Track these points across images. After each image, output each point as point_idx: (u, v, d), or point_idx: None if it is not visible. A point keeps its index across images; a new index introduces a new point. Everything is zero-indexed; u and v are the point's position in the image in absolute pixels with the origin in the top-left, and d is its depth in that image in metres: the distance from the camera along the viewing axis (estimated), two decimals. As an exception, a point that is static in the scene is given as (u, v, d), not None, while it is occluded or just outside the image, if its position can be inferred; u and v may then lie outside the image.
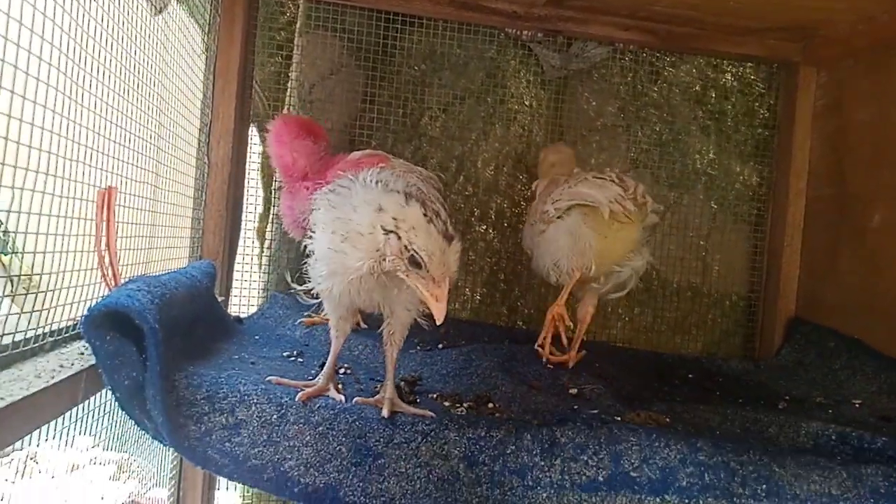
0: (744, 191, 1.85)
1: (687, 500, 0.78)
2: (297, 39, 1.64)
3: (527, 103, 1.79)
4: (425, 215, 0.77)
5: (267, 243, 1.65)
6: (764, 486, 0.79)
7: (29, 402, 0.54)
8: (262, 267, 1.66)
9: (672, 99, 1.85)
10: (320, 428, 0.75)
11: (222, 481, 1.60)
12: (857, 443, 0.91)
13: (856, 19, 1.49)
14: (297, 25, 1.65)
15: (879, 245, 1.39)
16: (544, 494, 0.77)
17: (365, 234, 0.78)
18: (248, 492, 1.65)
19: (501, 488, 0.76)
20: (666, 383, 1.35)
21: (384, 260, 0.78)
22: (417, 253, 0.76)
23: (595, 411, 0.97)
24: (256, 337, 1.23)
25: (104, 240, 0.77)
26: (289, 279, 1.00)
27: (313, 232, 0.86)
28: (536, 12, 1.61)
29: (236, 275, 1.59)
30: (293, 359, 1.14)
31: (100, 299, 0.69)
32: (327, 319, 1.36)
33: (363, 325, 1.40)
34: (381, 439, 0.77)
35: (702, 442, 0.83)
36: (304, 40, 1.63)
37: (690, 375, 1.46)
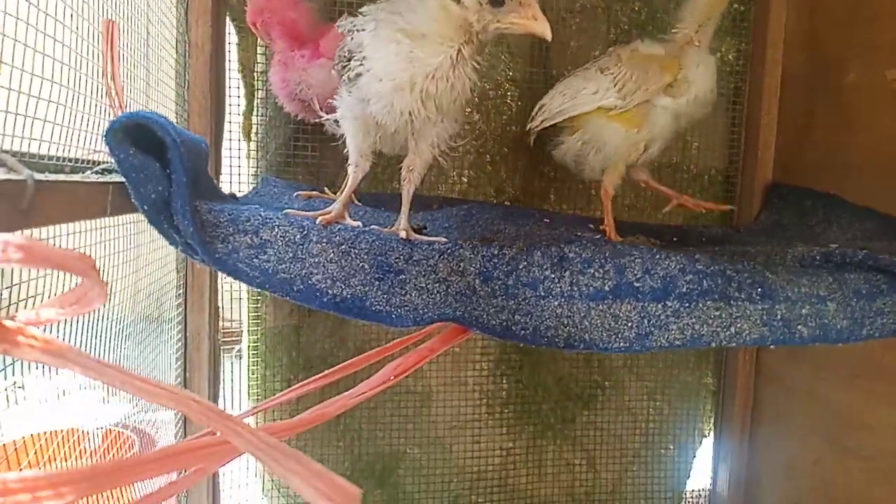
0: (721, 66, 1.87)
1: (687, 304, 0.83)
2: None
3: (507, -20, 1.76)
4: None
5: (254, 129, 1.63)
6: (759, 289, 0.85)
7: (68, 188, 0.55)
8: (250, 154, 1.65)
9: (653, -21, 1.84)
10: (343, 247, 0.78)
11: (229, 402, 1.66)
12: (839, 259, 0.98)
13: None
14: None
15: (853, 103, 1.43)
16: (555, 303, 0.81)
17: (439, 21, 0.80)
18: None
19: (516, 299, 0.81)
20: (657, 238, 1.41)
21: (472, 29, 0.80)
22: None
23: (598, 236, 1.02)
24: (255, 206, 1.24)
25: (110, 71, 0.76)
26: (316, 107, 1.01)
27: (358, 56, 0.85)
28: None
29: (224, 160, 1.57)
30: (297, 221, 1.16)
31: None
32: (325, 194, 1.38)
33: (355, 202, 1.41)
34: (401, 257, 0.80)
35: (699, 255, 0.88)
36: None
37: (675, 239, 1.52)
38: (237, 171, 1.61)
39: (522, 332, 0.79)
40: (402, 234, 0.83)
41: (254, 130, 1.63)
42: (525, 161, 1.81)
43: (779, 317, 0.84)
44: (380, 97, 0.84)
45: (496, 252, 0.83)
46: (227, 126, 1.57)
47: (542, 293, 0.81)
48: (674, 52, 1.29)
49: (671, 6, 1.85)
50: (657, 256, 0.87)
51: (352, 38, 0.87)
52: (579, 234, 1.02)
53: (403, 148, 0.92)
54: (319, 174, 1.62)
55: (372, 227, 0.88)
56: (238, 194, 1.40)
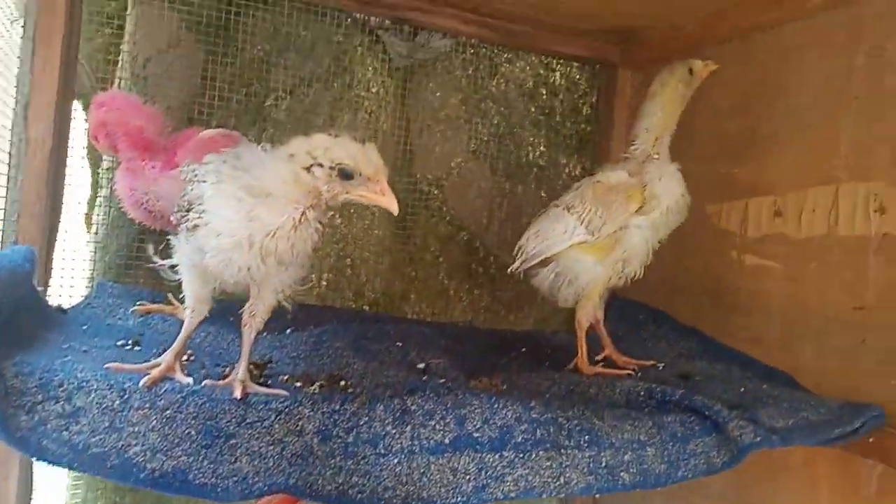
0: (569, 181, 2.02)
1: (521, 454, 0.86)
2: (129, 10, 1.53)
3: (374, 91, 1.81)
4: (329, 134, 0.82)
5: (94, 228, 1.52)
6: (586, 436, 0.91)
7: None
8: (88, 255, 1.53)
9: (509, 94, 1.98)
10: (167, 412, 0.74)
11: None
12: (660, 396, 1.06)
13: (667, 27, 1.70)
14: (130, -5, 1.54)
15: (683, 228, 1.58)
16: (395, 460, 0.81)
17: (288, 184, 0.80)
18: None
19: (355, 458, 0.80)
20: (503, 356, 1.47)
21: (320, 196, 0.81)
22: (343, 164, 0.79)
23: (442, 381, 1.04)
24: (84, 327, 1.15)
25: None
26: (151, 251, 0.95)
27: (198, 208, 0.83)
28: (385, -1, 1.65)
29: (58, 263, 1.45)
30: (129, 347, 1.08)
31: None
32: (164, 309, 1.31)
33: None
34: (234, 420, 0.77)
35: (534, 402, 0.93)
36: (137, 11, 1.52)
37: (524, 349, 1.59)
38: (71, 273, 1.49)
39: (359, 495, 0.77)
40: (237, 393, 0.80)
41: (93, 230, 1.52)
42: (386, 264, 1.84)
43: (604, 464, 0.89)
44: (217, 252, 0.82)
45: (337, 407, 0.82)
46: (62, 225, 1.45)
47: (383, 450, 0.81)
48: (636, 171, 1.33)
49: (527, 122, 2.00)
50: (496, 405, 0.90)
51: (192, 189, 0.85)
52: (424, 379, 1.03)
53: (247, 292, 0.90)
54: (163, 278, 1.53)
55: (205, 382, 0.84)
56: (67, 306, 1.29)
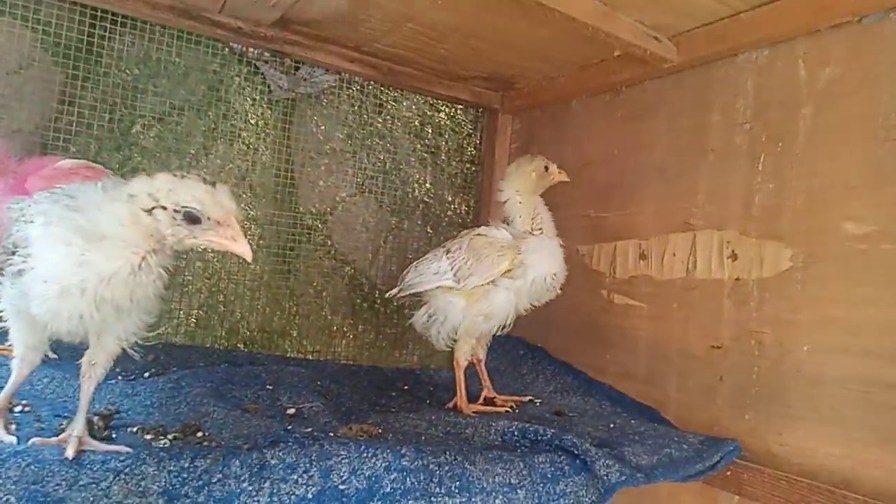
0: (455, 218, 2.06)
1: (389, 505, 0.83)
2: (-27, 25, 1.39)
3: (252, 121, 1.76)
4: (174, 175, 0.75)
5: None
6: (457, 483, 0.89)
7: None
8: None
9: (395, 131, 1.98)
10: (-20, 478, 0.64)
11: None
12: (533, 436, 1.07)
13: (541, 77, 1.77)
14: (-26, 9, 1.40)
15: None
16: (251, 520, 0.75)
17: (126, 226, 0.74)
18: None
19: (205, 519, 0.73)
20: (384, 395, 1.43)
21: (164, 241, 0.75)
22: (188, 206, 0.74)
23: (309, 430, 0.99)
24: None
25: None
26: None
27: (23, 251, 0.74)
28: (262, 31, 1.61)
29: None
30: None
31: None
32: (4, 351, 1.17)
33: (52, 356, 1.22)
34: (64, 482, 0.68)
35: (406, 448, 0.90)
36: (-18, 26, 1.39)
37: (406, 387, 1.57)
38: None
39: (208, 561, 0.71)
40: (69, 453, 0.71)
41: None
42: (264, 299, 1.76)
43: (475, 510, 0.88)
44: (44, 300, 0.74)
45: (187, 465, 0.75)
46: None
47: (237, 510, 0.75)
48: (520, 236, 1.36)
49: (412, 159, 2.01)
50: (364, 454, 0.86)
51: (18, 230, 0.76)
52: (289, 428, 0.98)
53: (86, 340, 0.81)
54: None
55: (32, 441, 0.75)
56: None
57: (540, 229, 1.38)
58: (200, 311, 1.68)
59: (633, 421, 1.27)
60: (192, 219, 0.74)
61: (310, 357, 1.80)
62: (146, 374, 1.21)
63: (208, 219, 0.75)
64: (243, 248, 0.77)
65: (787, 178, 1.18)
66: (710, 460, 1.09)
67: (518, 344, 1.74)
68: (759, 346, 1.17)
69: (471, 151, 2.09)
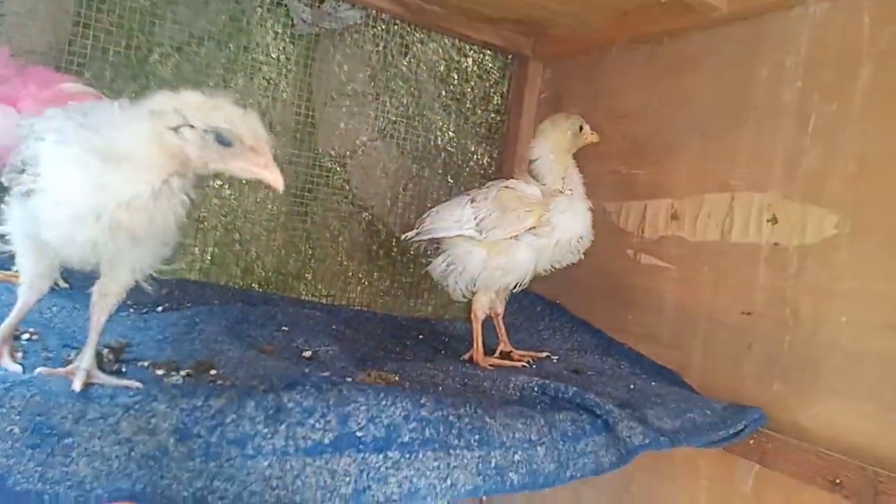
0: (476, 168, 2.00)
1: (408, 454, 0.80)
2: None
3: (273, 56, 1.69)
4: (202, 93, 0.70)
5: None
6: (476, 436, 0.86)
7: None
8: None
9: (420, 75, 1.91)
10: (-17, 406, 0.61)
11: None
12: (553, 392, 1.04)
13: (576, 24, 1.68)
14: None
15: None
16: (265, 462, 0.73)
17: (148, 146, 0.68)
18: None
19: (218, 460, 0.70)
20: (399, 344, 1.41)
21: (188, 163, 0.69)
22: (220, 127, 0.68)
23: (326, 374, 0.96)
24: None
25: None
26: None
27: (32, 170, 0.69)
28: (288, -42, 1.52)
29: None
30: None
31: None
32: (11, 277, 1.14)
33: (63, 285, 1.19)
34: (70, 415, 0.65)
35: (425, 398, 0.87)
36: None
37: (421, 336, 1.54)
38: None
39: (220, 501, 0.68)
40: (76, 385, 0.68)
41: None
42: (280, 241, 1.72)
43: (493, 465, 0.85)
44: (55, 225, 0.69)
45: (200, 403, 0.72)
46: None
47: (251, 451, 0.72)
48: (549, 194, 1.31)
49: (437, 105, 1.94)
50: (383, 402, 0.83)
51: (28, 148, 0.71)
52: (306, 371, 0.95)
53: (97, 269, 0.77)
54: None
55: (38, 370, 0.72)
56: None
57: (570, 190, 1.33)
58: (216, 249, 1.65)
59: (653, 383, 1.23)
60: (223, 141, 0.69)
61: (324, 301, 1.77)
62: (159, 309, 1.18)
63: (241, 143, 0.69)
64: (275, 177, 0.72)
65: (839, 142, 1.10)
66: (735, 427, 1.06)
67: (536, 300, 1.70)
68: (795, 314, 1.12)
69: (497, 100, 2.01)
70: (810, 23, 1.18)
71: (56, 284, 1.17)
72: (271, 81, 1.69)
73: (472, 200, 1.32)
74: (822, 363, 1.07)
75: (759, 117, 1.24)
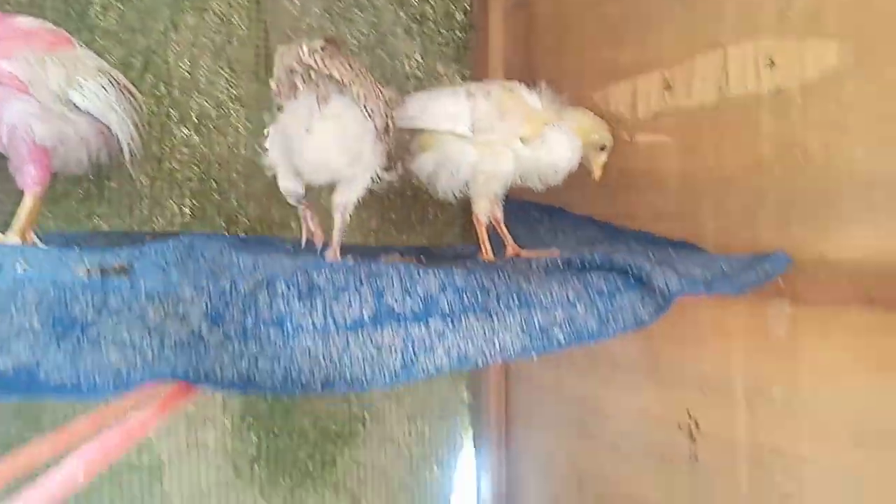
0: (450, 90, 1.94)
1: (451, 322, 0.76)
2: None
3: (223, -10, 1.60)
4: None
5: None
6: (515, 298, 0.82)
7: None
8: None
9: (375, 1, 1.83)
10: (-4, 298, 0.55)
11: None
12: (579, 263, 1.01)
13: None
14: None
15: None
16: (308, 340, 0.68)
17: None
18: None
19: (258, 342, 0.65)
20: (407, 260, 1.36)
21: None
22: None
23: (351, 256, 0.91)
24: None
25: None
26: None
27: None
28: None
29: None
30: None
31: None
32: None
33: (41, 245, 1.11)
34: (91, 305, 0.59)
35: (456, 271, 0.83)
36: None
37: (423, 257, 1.49)
38: None
39: (270, 381, 0.64)
40: (81, 273, 0.62)
41: None
42: (260, 186, 1.64)
43: (537, 325, 0.82)
44: None
45: (227, 287, 0.67)
46: None
47: (291, 330, 0.67)
48: (550, 110, 1.29)
49: (398, 30, 1.87)
50: (415, 275, 0.79)
51: None
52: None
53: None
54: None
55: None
56: None
57: (570, 128, 1.33)
58: (194, 202, 1.57)
59: (671, 252, 1.21)
60: None
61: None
62: (147, 238, 1.11)
63: None
64: None
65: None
66: (763, 268, 1.04)
67: (530, 207, 1.66)
68: (805, 154, 1.10)
69: (460, 17, 1.95)
70: None
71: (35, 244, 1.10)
72: (224, 17, 1.60)
73: (469, 94, 1.26)
74: (839, 196, 1.05)
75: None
